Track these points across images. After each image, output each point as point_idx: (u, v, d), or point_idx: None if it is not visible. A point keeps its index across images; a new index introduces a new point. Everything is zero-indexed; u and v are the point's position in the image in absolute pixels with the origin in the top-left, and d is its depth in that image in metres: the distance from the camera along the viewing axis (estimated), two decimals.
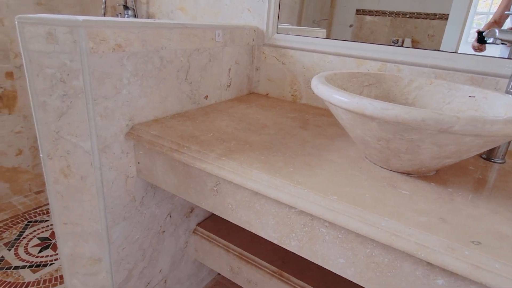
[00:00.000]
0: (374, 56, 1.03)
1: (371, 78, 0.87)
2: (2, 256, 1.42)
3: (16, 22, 0.67)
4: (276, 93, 1.28)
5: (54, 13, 1.71)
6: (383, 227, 0.52)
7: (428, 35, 1.08)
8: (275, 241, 0.68)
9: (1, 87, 1.65)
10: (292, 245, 0.66)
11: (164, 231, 1.10)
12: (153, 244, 1.07)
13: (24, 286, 1.27)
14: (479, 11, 1.01)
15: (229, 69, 1.17)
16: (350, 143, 0.85)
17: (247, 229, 0.72)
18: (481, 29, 0.98)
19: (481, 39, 0.98)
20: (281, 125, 0.96)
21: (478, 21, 1.01)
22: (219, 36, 1.07)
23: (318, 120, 1.03)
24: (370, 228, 0.52)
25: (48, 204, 1.82)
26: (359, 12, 1.23)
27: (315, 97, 1.19)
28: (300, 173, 0.66)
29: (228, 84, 1.19)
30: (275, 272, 1.06)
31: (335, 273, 1.05)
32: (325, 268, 1.06)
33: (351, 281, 1.01)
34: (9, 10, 1.59)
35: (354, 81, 0.85)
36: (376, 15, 1.22)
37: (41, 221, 1.67)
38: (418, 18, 1.11)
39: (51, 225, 1.64)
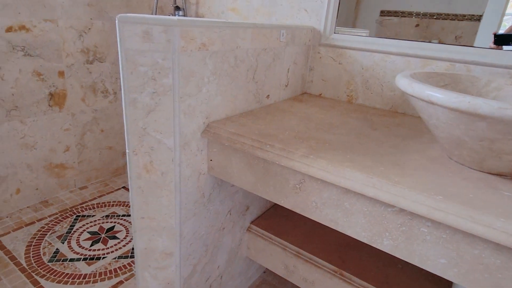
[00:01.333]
0: (441, 56, 1.02)
1: (447, 78, 0.87)
2: (57, 249, 1.46)
3: (116, 21, 0.69)
4: (330, 93, 1.28)
5: (102, 13, 1.76)
6: (499, 228, 0.51)
7: (456, 36, 1.07)
8: (364, 240, 0.69)
9: (54, 86, 1.70)
10: (384, 245, 0.66)
11: (224, 228, 1.11)
12: (214, 241, 1.09)
13: (81, 277, 1.31)
14: (507, 12, 0.99)
15: (288, 69, 1.18)
16: (426, 144, 0.84)
17: (332, 227, 0.72)
18: (502, 32, 0.96)
19: (498, 41, 0.96)
20: (349, 125, 0.96)
21: (504, 23, 0.99)
22: (283, 36, 1.08)
23: (383, 121, 1.03)
24: (485, 229, 0.52)
25: (93, 199, 1.86)
26: (383, 13, 1.22)
27: (372, 98, 1.19)
28: (393, 172, 0.66)
29: (286, 84, 1.19)
30: (335, 272, 1.06)
31: (396, 274, 1.05)
32: (386, 269, 1.06)
33: (413, 283, 1.00)
34: (63, 11, 1.64)
35: (431, 81, 0.85)
36: (401, 16, 1.21)
37: (88, 216, 1.71)
38: (446, 19, 1.10)
39: (99, 220, 1.68)
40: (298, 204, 0.76)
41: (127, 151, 0.80)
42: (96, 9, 1.77)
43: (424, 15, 1.14)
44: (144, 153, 0.80)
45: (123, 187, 2.02)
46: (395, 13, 1.21)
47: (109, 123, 2.02)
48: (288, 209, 1.36)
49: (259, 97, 1.06)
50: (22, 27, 1.52)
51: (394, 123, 1.01)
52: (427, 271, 1.06)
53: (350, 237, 1.20)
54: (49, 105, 1.71)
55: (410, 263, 1.08)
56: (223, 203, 1.06)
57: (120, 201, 1.87)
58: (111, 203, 1.84)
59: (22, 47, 1.54)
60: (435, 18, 1.11)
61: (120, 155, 2.15)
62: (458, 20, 1.07)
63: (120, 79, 2.00)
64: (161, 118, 0.78)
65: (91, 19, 1.77)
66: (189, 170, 0.87)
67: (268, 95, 1.11)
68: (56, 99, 1.73)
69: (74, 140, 1.87)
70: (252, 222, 1.27)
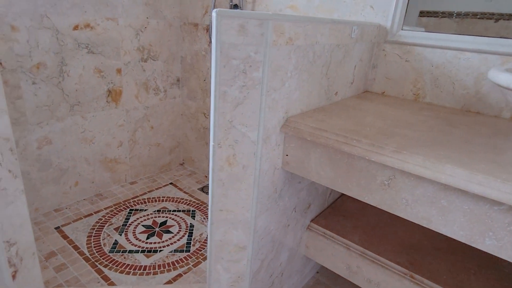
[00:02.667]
0: None
1: None
2: (116, 240, 1.51)
3: (214, 15, 0.71)
4: (394, 91, 1.26)
5: (157, 12, 1.81)
6: None
7: (501, 37, 1.02)
8: (461, 239, 0.66)
9: (112, 82, 1.77)
10: (486, 245, 0.64)
11: (288, 225, 1.11)
12: (280, 237, 1.09)
13: (142, 269, 1.35)
14: None
15: (355, 66, 1.16)
16: None
17: (424, 225, 0.71)
18: None
19: None
20: (426, 123, 0.93)
21: None
22: (354, 32, 1.07)
23: (459, 119, 1.00)
24: None
25: (143, 194, 1.92)
26: (423, 13, 1.18)
27: (442, 96, 1.15)
28: (497, 170, 0.63)
29: (352, 81, 1.18)
30: (405, 274, 1.04)
31: (470, 279, 1.01)
32: (459, 273, 1.02)
33: None
34: (124, 10, 1.71)
35: None
36: (441, 17, 1.17)
37: (141, 210, 1.76)
38: (491, 18, 1.04)
39: (151, 214, 1.73)
40: (385, 200, 0.75)
41: (211, 144, 0.82)
42: (152, 8, 1.83)
43: (466, 14, 1.10)
44: (228, 146, 0.81)
45: (171, 183, 2.07)
46: (434, 13, 1.17)
47: (158, 120, 2.08)
48: (346, 207, 1.35)
49: (329, 93, 1.05)
50: (87, 25, 1.59)
51: (473, 122, 0.97)
52: (503, 276, 1.01)
53: (415, 238, 1.17)
54: (106, 101, 1.78)
55: (483, 268, 1.03)
56: (290, 200, 1.06)
57: (169, 197, 1.91)
58: (161, 198, 1.89)
59: (86, 45, 1.61)
60: (478, 18, 1.07)
61: (167, 151, 2.20)
62: (504, 19, 1.03)
63: (170, 77, 2.05)
64: (248, 112, 0.79)
65: (147, 18, 1.82)
66: (267, 164, 0.88)
67: (337, 92, 1.10)
68: (113, 95, 1.80)
69: (127, 136, 1.93)
70: (312, 221, 1.26)
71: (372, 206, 1.36)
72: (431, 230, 1.19)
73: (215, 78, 0.75)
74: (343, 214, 1.32)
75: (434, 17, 1.17)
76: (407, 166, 0.68)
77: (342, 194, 1.46)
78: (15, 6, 1.34)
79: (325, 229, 1.22)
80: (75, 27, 1.55)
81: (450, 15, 1.14)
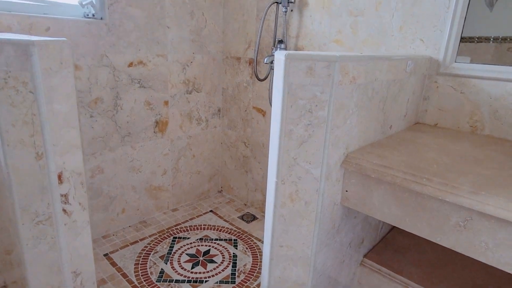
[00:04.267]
0: None
1: None
2: (162, 269, 1.52)
3: (283, 58, 0.73)
4: (448, 123, 1.23)
5: (202, 48, 1.89)
6: None
7: None
8: None
9: (159, 114, 1.85)
10: None
11: (343, 261, 1.08)
12: (335, 274, 1.06)
13: None
14: None
15: (408, 99, 1.15)
16: None
17: (508, 271, 0.67)
18: None
19: None
20: (495, 159, 0.90)
21: None
22: (409, 67, 1.07)
23: None
24: None
25: (185, 222, 1.94)
26: (463, 39, 1.16)
27: (503, 128, 1.11)
28: None
29: (405, 114, 1.17)
30: None
31: None
32: None
33: None
34: (172, 47, 1.81)
35: None
36: (477, 42, 1.13)
37: (184, 238, 1.78)
38: None
39: (194, 242, 1.74)
40: (460, 243, 0.72)
41: (274, 180, 0.83)
42: (198, 44, 1.92)
43: (504, 39, 1.07)
44: (291, 182, 0.82)
45: (211, 211, 2.08)
46: (470, 39, 1.15)
47: (199, 149, 2.13)
48: (399, 242, 1.29)
49: (384, 127, 1.05)
50: (140, 62, 1.69)
51: None
52: None
53: (479, 278, 1.10)
54: (154, 132, 1.85)
55: None
56: (347, 235, 1.04)
57: (210, 225, 1.92)
58: (202, 226, 1.90)
59: (139, 80, 1.71)
60: None
61: (206, 179, 2.23)
62: None
63: (212, 107, 2.12)
64: (312, 149, 0.79)
65: (193, 53, 1.92)
66: (327, 200, 0.87)
67: (391, 126, 1.09)
68: (160, 126, 1.87)
69: (170, 164, 1.99)
70: (365, 256, 1.22)
71: (427, 241, 1.30)
72: (497, 268, 1.12)
73: (281, 117, 0.77)
74: (396, 249, 1.27)
75: (470, 42, 1.16)
76: (487, 209, 0.65)
77: (393, 227, 1.41)
78: (80, 47, 1.45)
79: (380, 265, 1.18)
80: (130, 64, 1.65)
81: (486, 40, 1.13)
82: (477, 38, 1.14)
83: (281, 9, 1.61)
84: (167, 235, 1.80)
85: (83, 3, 1.44)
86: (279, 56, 0.76)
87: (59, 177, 0.83)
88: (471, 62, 1.16)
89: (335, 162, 0.85)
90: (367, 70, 0.85)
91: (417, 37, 1.25)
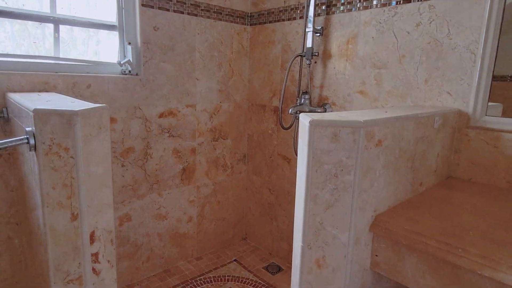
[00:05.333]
0: None
1: None
2: None
3: (307, 124, 0.75)
4: (482, 178, 1.17)
5: (229, 97, 1.96)
6: None
7: None
8: None
9: (187, 161, 1.90)
10: None
11: None
12: None
13: None
14: None
15: (438, 154, 1.13)
16: None
17: None
18: None
19: None
20: None
21: None
22: (436, 123, 1.05)
23: None
24: None
25: (209, 272, 1.91)
26: (496, 78, 1.12)
27: None
28: None
29: (435, 170, 1.13)
30: None
31: None
32: None
33: None
34: (201, 97, 1.89)
35: None
36: (510, 80, 1.09)
37: None
38: None
39: None
40: None
41: (300, 244, 0.81)
42: (225, 93, 2.00)
43: None
44: (318, 247, 0.80)
45: (235, 260, 2.04)
46: (501, 78, 1.12)
47: (225, 195, 2.14)
48: None
49: (414, 185, 1.02)
50: (170, 113, 1.77)
51: None
52: None
53: None
54: (181, 179, 1.89)
55: None
56: None
57: (234, 276, 1.88)
58: (227, 278, 1.86)
59: (168, 129, 1.78)
60: None
61: (231, 225, 2.22)
62: None
63: (237, 153, 2.15)
64: (339, 214, 0.78)
65: (220, 102, 1.99)
66: (356, 266, 0.84)
67: (421, 183, 1.06)
68: (187, 173, 1.92)
69: (196, 211, 2.00)
70: None
71: None
72: None
73: (306, 181, 0.77)
74: None
75: (502, 81, 1.13)
76: None
77: None
78: (117, 102, 1.55)
79: None
80: (161, 115, 1.74)
81: None
82: (510, 76, 1.12)
83: (305, 61, 1.66)
84: (191, 287, 1.76)
85: (121, 62, 1.56)
86: (304, 121, 0.78)
87: (91, 236, 0.86)
88: (504, 111, 1.13)
89: (363, 226, 0.83)
90: (394, 132, 0.85)
91: (444, 89, 1.24)
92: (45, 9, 1.41)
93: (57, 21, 1.43)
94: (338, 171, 0.76)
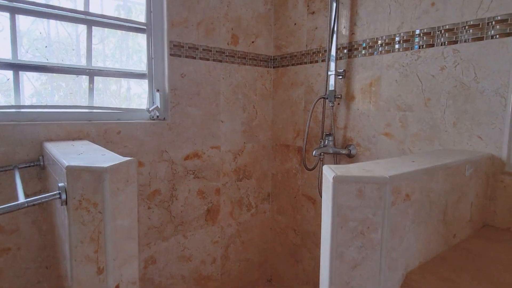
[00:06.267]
0: None
1: None
2: None
3: (331, 180, 0.74)
4: None
5: (253, 137, 1.98)
6: None
7: None
8: None
9: (211, 202, 1.91)
10: None
11: None
12: None
13: None
14: None
15: (471, 203, 1.07)
16: None
17: None
18: None
19: None
20: None
21: None
22: (468, 171, 1.01)
23: None
24: None
25: None
26: None
27: None
28: None
29: (469, 219, 1.07)
30: None
31: None
32: None
33: None
34: (225, 138, 1.93)
35: None
36: None
37: None
38: None
39: None
40: None
41: None
42: (249, 134, 2.03)
43: None
44: None
45: None
46: None
47: (249, 235, 2.11)
48: None
49: (447, 238, 0.96)
50: (195, 155, 1.81)
51: None
52: None
53: None
54: (205, 220, 1.89)
55: None
56: None
57: None
58: None
59: (193, 171, 1.81)
60: None
61: (255, 267, 2.16)
62: None
63: (261, 193, 2.14)
64: (366, 273, 0.75)
65: (244, 142, 2.02)
66: None
67: (455, 234, 1.00)
68: (211, 214, 1.92)
69: (220, 252, 1.98)
70: None
71: None
72: None
73: (331, 239, 0.75)
74: None
75: None
76: None
77: None
78: (144, 146, 1.61)
79: None
80: (186, 157, 1.78)
81: None
82: None
83: (328, 103, 1.67)
84: None
85: (150, 109, 1.64)
86: (328, 175, 0.77)
87: None
88: None
89: (392, 286, 0.78)
90: (422, 185, 0.82)
91: (474, 133, 1.20)
92: (82, 62, 1.52)
93: (92, 73, 1.54)
94: (364, 228, 0.74)
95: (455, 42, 1.22)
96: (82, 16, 1.48)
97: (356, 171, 0.77)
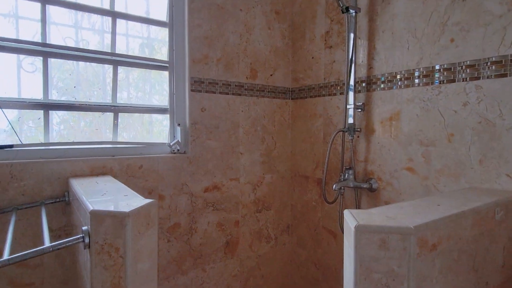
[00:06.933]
0: None
1: None
2: None
3: (353, 229, 0.73)
4: None
5: (272, 168, 1.98)
6: None
7: None
8: None
9: (230, 234, 1.90)
10: None
11: None
12: None
13: None
14: None
15: (503, 247, 1.01)
16: None
17: None
18: None
19: None
20: None
21: None
22: (498, 214, 0.96)
23: None
24: None
25: None
26: None
27: None
28: None
29: (502, 264, 1.01)
30: None
31: None
32: None
33: None
34: (244, 170, 1.94)
35: None
36: None
37: None
38: None
39: None
40: None
41: None
42: (268, 165, 2.03)
43: None
44: None
45: None
46: None
47: (268, 268, 2.07)
48: None
49: (478, 286, 0.91)
50: (215, 187, 1.82)
51: None
52: None
53: None
54: (224, 253, 1.88)
55: None
56: None
57: None
58: None
59: (213, 203, 1.82)
60: None
61: None
62: None
63: (281, 224, 2.11)
64: None
65: (263, 173, 2.02)
66: None
67: (487, 282, 0.94)
68: (230, 246, 1.90)
69: (239, 286, 1.94)
70: None
71: None
72: None
73: None
74: None
75: None
76: None
77: None
78: (165, 179, 1.64)
79: None
80: (206, 190, 1.79)
81: None
82: None
83: (347, 136, 1.66)
84: None
85: (171, 144, 1.68)
86: (349, 223, 0.75)
87: None
88: None
89: None
90: (449, 233, 0.79)
91: (502, 172, 1.15)
92: (107, 100, 1.59)
93: (117, 110, 1.60)
94: (389, 280, 0.71)
95: (477, 78, 1.20)
96: (109, 57, 1.56)
97: (379, 219, 0.75)
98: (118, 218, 0.82)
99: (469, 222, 0.85)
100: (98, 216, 0.82)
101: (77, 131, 1.54)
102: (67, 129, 1.52)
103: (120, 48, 1.62)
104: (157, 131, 1.79)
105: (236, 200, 1.91)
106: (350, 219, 0.76)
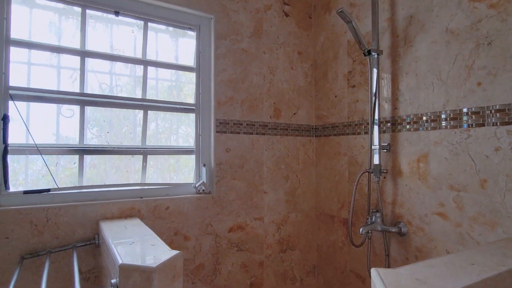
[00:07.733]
0: None
1: None
2: None
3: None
4: None
5: (296, 206, 1.95)
6: None
7: None
8: None
9: (254, 276, 1.86)
10: None
11: None
12: None
13: None
14: None
15: None
16: None
17: None
18: None
19: None
20: None
21: None
22: None
23: None
24: None
25: None
26: None
27: None
28: None
29: None
30: None
31: None
32: None
33: None
34: (268, 209, 1.93)
35: None
36: None
37: None
38: None
39: None
40: None
41: None
42: (292, 204, 2.02)
43: None
44: None
45: None
46: None
47: None
48: None
49: None
50: (239, 227, 1.82)
51: None
52: None
53: None
54: None
55: None
56: None
57: None
58: None
59: (237, 244, 1.81)
60: None
61: None
62: None
63: (306, 265, 2.05)
64: None
65: (287, 212, 2.00)
66: None
67: None
68: None
69: None
70: None
71: None
72: None
73: None
74: None
75: None
76: None
77: None
78: (190, 220, 1.66)
79: None
80: (230, 230, 1.79)
81: None
82: None
83: (374, 177, 1.63)
84: None
85: (196, 185, 1.71)
86: (377, 285, 0.73)
87: None
88: None
89: None
90: None
91: None
92: (137, 143, 1.67)
93: (146, 153, 1.66)
94: None
95: (509, 123, 1.16)
96: (139, 103, 1.65)
97: (407, 282, 0.72)
98: (145, 274, 0.83)
99: (508, 284, 0.80)
100: (126, 271, 0.84)
101: (109, 173, 1.61)
102: (99, 172, 1.59)
103: (150, 91, 1.70)
104: (183, 169, 1.84)
105: (260, 240, 1.90)
106: (378, 281, 0.73)
